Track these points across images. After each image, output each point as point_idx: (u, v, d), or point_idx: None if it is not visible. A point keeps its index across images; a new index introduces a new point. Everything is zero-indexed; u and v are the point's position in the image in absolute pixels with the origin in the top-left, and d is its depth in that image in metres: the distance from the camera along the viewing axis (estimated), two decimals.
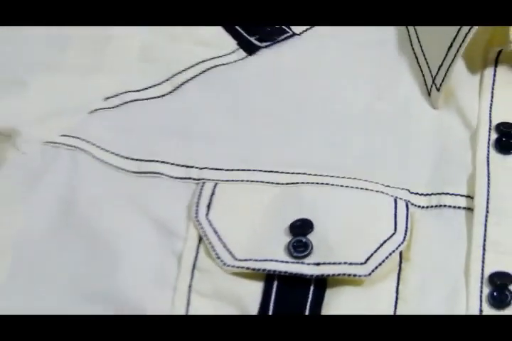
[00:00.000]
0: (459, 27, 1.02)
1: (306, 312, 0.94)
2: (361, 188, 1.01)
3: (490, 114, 1.06)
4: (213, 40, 1.15)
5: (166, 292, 0.97)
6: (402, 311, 0.95)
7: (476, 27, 0.99)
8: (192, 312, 0.95)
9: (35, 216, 1.02)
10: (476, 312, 0.95)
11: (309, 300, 0.95)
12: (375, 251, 0.95)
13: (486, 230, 0.98)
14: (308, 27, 1.16)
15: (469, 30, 1.03)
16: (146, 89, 1.11)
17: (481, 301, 0.95)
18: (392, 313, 0.94)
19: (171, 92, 1.11)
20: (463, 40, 1.03)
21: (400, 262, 0.96)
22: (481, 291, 0.95)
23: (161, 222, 1.01)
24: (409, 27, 1.12)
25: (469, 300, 0.96)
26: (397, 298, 0.96)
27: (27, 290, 0.99)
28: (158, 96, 1.10)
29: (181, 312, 0.95)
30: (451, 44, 1.05)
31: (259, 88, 1.11)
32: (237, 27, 1.14)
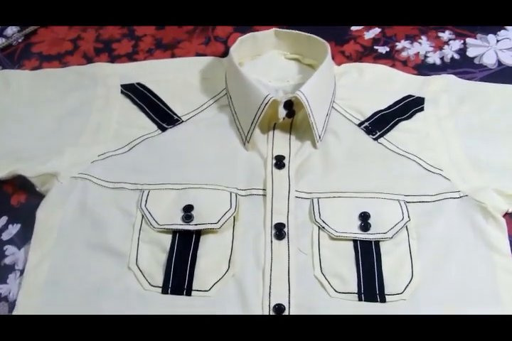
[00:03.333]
0: (255, 113, 1.09)
1: (191, 248, 1.01)
2: (215, 189, 1.07)
3: (272, 152, 1.12)
4: (146, 126, 1.18)
5: (128, 241, 1.02)
6: (235, 243, 1.02)
7: (264, 112, 1.08)
8: (140, 250, 1.02)
9: (66, 212, 1.07)
10: (269, 242, 1.02)
11: (193, 241, 1.02)
12: (222, 216, 1.02)
13: (272, 205, 1.06)
14: (192, 115, 1.20)
15: (260, 114, 1.09)
16: (116, 150, 1.14)
17: (271, 236, 1.02)
18: (230, 243, 1.02)
19: (128, 151, 1.14)
20: (258, 119, 1.09)
21: (234, 221, 1.03)
22: (271, 232, 1.03)
23: (125, 209, 1.06)
24: (234, 114, 1.17)
25: (266, 237, 1.03)
26: (232, 237, 1.03)
27: (65, 249, 1.03)
28: (122, 153, 1.14)
29: (134, 250, 1.02)
30: (252, 121, 1.10)
31: (169, 146, 1.15)
32: (157, 119, 1.19)
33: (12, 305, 0.99)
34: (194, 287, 0.97)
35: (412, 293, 0.97)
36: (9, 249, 1.09)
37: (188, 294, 0.97)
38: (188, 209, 1.03)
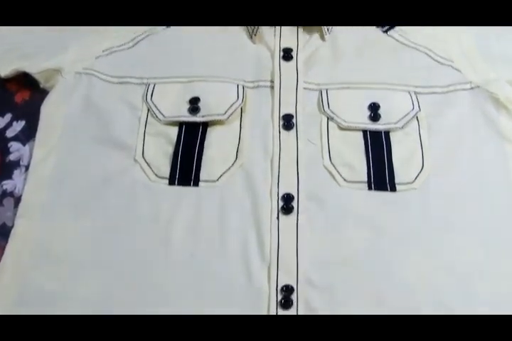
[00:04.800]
0: None
1: (198, 139, 0.99)
2: (221, 81, 1.04)
3: (280, 44, 1.09)
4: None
5: (134, 134, 1.01)
6: (243, 134, 1.00)
7: None
8: (146, 143, 1.00)
9: (71, 108, 1.05)
10: (277, 132, 1.00)
11: (200, 132, 1.00)
12: (229, 108, 1.00)
13: (280, 96, 1.03)
14: None
15: None
16: (121, 45, 1.11)
17: (279, 127, 1.00)
18: (237, 134, 0.99)
19: (133, 46, 1.11)
20: None
21: (241, 112, 1.01)
22: (279, 123, 1.01)
23: (130, 103, 1.04)
24: None
25: (274, 128, 1.00)
26: (240, 129, 1.01)
27: (70, 143, 1.02)
28: (127, 48, 1.11)
29: (140, 143, 1.00)
30: None
31: (174, 41, 1.12)
32: None
33: (18, 200, 0.98)
34: (201, 177, 0.95)
35: (422, 183, 0.95)
36: (14, 146, 1.06)
37: (196, 184, 0.95)
38: (194, 101, 1.01)
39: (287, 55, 1.07)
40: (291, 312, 0.85)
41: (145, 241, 0.91)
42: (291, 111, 1.01)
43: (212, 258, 0.89)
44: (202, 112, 1.00)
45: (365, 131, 1.00)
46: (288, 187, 0.94)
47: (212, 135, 0.99)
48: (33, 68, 1.08)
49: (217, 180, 0.95)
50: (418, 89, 1.04)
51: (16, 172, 1.03)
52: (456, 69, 1.07)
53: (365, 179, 0.95)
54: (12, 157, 1.05)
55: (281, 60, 1.06)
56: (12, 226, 0.94)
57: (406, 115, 1.00)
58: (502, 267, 0.89)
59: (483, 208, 0.94)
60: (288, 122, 1.00)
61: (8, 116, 1.10)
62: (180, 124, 1.00)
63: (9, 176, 1.03)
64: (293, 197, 0.93)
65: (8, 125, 1.09)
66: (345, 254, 0.89)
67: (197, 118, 0.99)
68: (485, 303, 0.86)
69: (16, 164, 1.04)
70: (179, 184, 0.95)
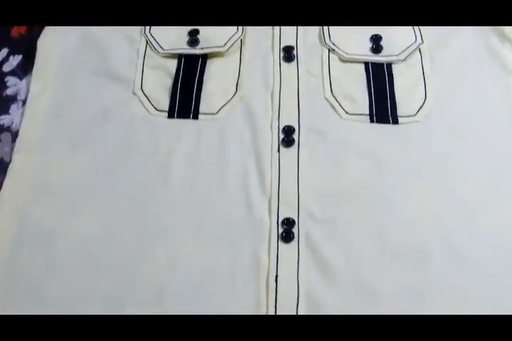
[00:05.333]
0: None
1: (197, 71, 0.96)
2: None
3: None
4: None
5: (132, 67, 0.98)
6: (243, 66, 0.97)
7: None
8: (144, 75, 0.97)
9: (68, 41, 1.02)
10: (277, 64, 0.97)
11: (199, 65, 0.97)
12: (229, 39, 0.98)
13: (280, 28, 1.00)
14: None
15: None
16: None
17: (280, 59, 0.98)
18: (237, 67, 0.97)
19: None
20: None
21: (241, 44, 0.99)
22: (280, 55, 0.98)
23: (129, 35, 1.02)
24: None
25: (274, 59, 0.98)
26: (240, 61, 0.98)
27: (68, 76, 0.99)
28: None
29: (139, 76, 0.97)
30: None
31: None
32: None
33: (15, 135, 0.95)
34: (201, 110, 0.93)
35: (425, 115, 0.93)
36: (11, 80, 1.03)
37: (195, 117, 0.93)
38: (193, 33, 0.98)
39: None
40: (293, 245, 0.83)
41: (144, 174, 0.89)
42: (292, 43, 0.98)
43: (212, 191, 0.87)
44: (201, 44, 0.97)
45: (366, 63, 0.97)
46: (289, 119, 0.92)
47: (212, 67, 0.96)
48: None
49: (217, 112, 0.93)
50: None
51: (13, 107, 1.01)
52: None
53: (367, 111, 0.93)
54: (9, 92, 1.02)
55: None
56: (10, 162, 0.93)
57: (408, 47, 0.98)
58: (505, 202, 0.88)
59: (485, 141, 0.92)
60: (288, 54, 0.97)
61: (4, 51, 1.07)
62: (180, 57, 0.97)
63: (6, 111, 1.00)
64: (294, 130, 0.91)
65: (5, 60, 1.06)
66: (347, 187, 0.88)
67: (196, 51, 0.97)
68: (488, 237, 0.85)
69: (13, 99, 1.01)
70: (178, 117, 0.93)
